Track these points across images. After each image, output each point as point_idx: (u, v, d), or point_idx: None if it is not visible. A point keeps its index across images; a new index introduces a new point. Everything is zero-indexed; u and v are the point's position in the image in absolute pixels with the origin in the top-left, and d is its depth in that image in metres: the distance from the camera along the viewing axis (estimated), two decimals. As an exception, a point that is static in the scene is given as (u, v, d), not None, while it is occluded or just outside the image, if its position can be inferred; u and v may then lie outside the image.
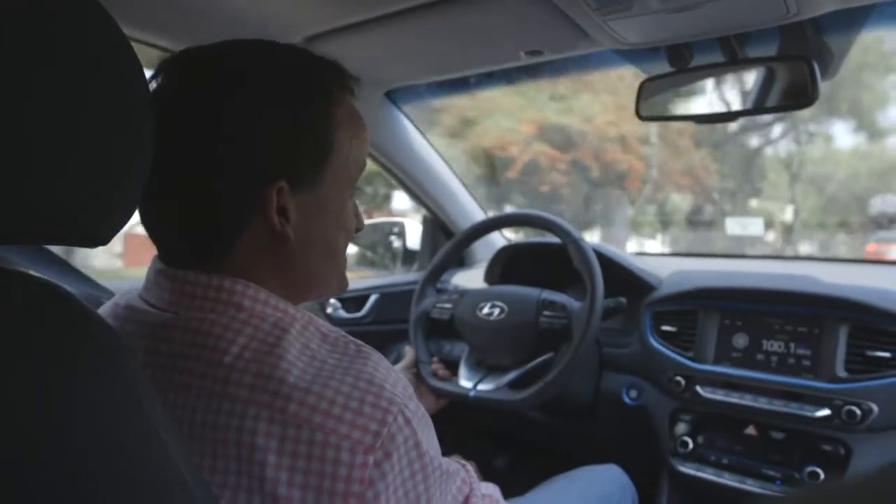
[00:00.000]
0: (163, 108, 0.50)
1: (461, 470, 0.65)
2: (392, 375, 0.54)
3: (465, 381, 1.24)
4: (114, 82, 0.43)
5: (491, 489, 0.76)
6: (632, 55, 1.19)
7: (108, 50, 0.42)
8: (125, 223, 0.47)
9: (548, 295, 1.23)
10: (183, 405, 0.51)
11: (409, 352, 1.28)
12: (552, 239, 1.29)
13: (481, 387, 1.21)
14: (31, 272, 0.43)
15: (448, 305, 1.33)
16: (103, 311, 0.62)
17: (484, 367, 1.28)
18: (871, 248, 11.58)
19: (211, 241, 0.56)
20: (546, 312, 1.21)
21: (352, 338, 0.57)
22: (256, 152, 0.55)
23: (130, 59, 0.44)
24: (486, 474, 0.71)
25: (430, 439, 0.55)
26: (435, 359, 1.30)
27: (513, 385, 1.20)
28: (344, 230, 0.63)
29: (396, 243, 1.92)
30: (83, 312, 0.42)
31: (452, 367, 1.30)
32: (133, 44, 0.45)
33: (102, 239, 0.45)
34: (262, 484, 0.47)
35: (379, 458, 0.49)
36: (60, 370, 0.38)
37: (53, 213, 0.41)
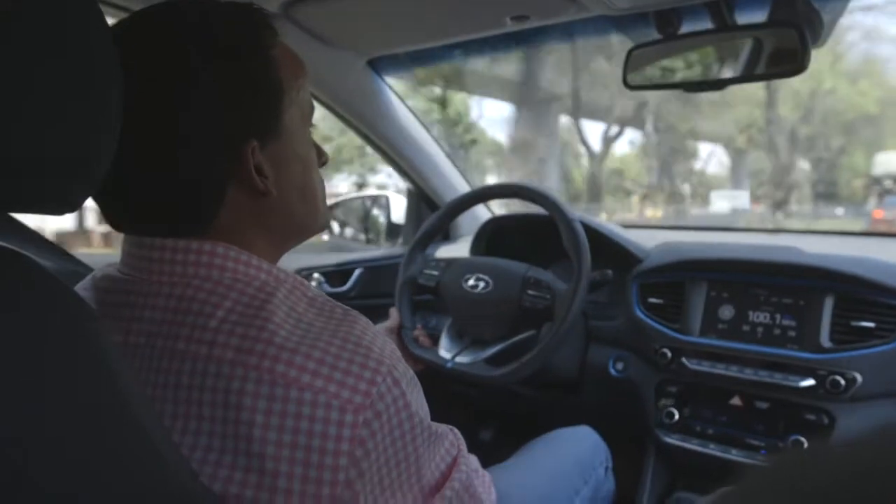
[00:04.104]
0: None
1: (449, 433, 0.66)
2: (379, 338, 0.54)
3: (444, 352, 1.24)
4: (80, 45, 0.41)
5: (471, 459, 0.76)
6: (619, 23, 1.16)
7: (75, 10, 0.41)
8: (94, 190, 0.46)
9: (534, 273, 1.22)
10: (168, 370, 0.50)
11: (392, 314, 1.28)
12: (538, 211, 1.27)
13: (459, 359, 1.21)
14: None
15: (435, 273, 1.32)
16: (83, 284, 0.61)
17: (465, 339, 1.28)
18: (878, 215, 11.56)
19: (192, 213, 0.55)
20: (530, 291, 1.20)
21: (338, 302, 0.57)
22: (222, 117, 0.54)
23: (97, 20, 0.42)
24: (472, 446, 0.71)
25: (419, 401, 0.55)
26: (419, 326, 1.30)
27: (490, 360, 1.20)
28: (313, 169, 0.64)
29: (380, 217, 1.90)
30: (45, 279, 0.41)
31: (436, 340, 1.29)
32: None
33: (71, 206, 0.45)
34: (250, 444, 0.47)
35: (368, 417, 0.49)
36: (25, 341, 0.37)
37: (20, 181, 0.39)
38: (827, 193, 15.76)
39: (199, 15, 0.55)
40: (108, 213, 0.58)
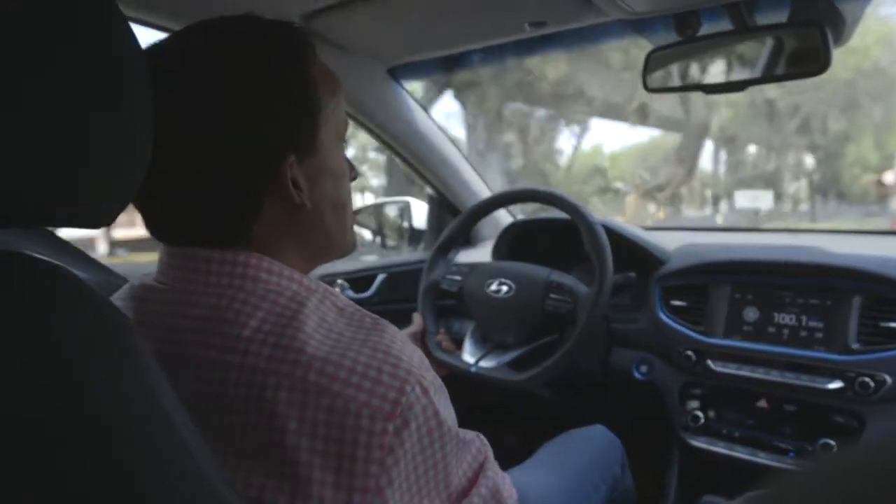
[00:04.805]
0: (161, 100, 0.50)
1: (476, 439, 0.67)
2: (408, 347, 0.55)
3: (467, 356, 1.24)
4: (113, 62, 0.42)
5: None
6: (638, 25, 1.16)
7: (108, 30, 0.42)
8: (127, 204, 0.47)
9: (556, 277, 1.22)
10: (202, 378, 0.52)
11: (416, 319, 1.28)
12: (559, 214, 1.27)
13: (483, 363, 1.21)
14: (33, 254, 0.43)
15: (458, 278, 1.33)
16: (120, 293, 0.63)
17: (488, 344, 1.28)
18: None
19: (229, 224, 0.57)
20: (553, 295, 1.20)
21: (367, 312, 0.58)
22: (264, 132, 0.55)
23: (130, 39, 0.44)
24: (496, 451, 0.71)
25: (446, 409, 0.56)
26: (442, 330, 1.30)
27: (514, 364, 1.20)
28: (345, 184, 0.65)
29: (402, 223, 1.91)
30: (86, 292, 0.42)
31: (460, 344, 1.30)
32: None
33: (105, 220, 0.46)
34: (283, 452, 0.48)
35: (398, 425, 0.50)
36: (63, 351, 0.38)
37: (56, 195, 0.41)
38: (826, 191, 13.19)
39: (242, 33, 0.57)
40: (149, 222, 0.60)
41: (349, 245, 0.68)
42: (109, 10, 0.42)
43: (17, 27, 0.37)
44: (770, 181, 13.36)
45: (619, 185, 14.97)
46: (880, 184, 12.81)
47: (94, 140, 0.41)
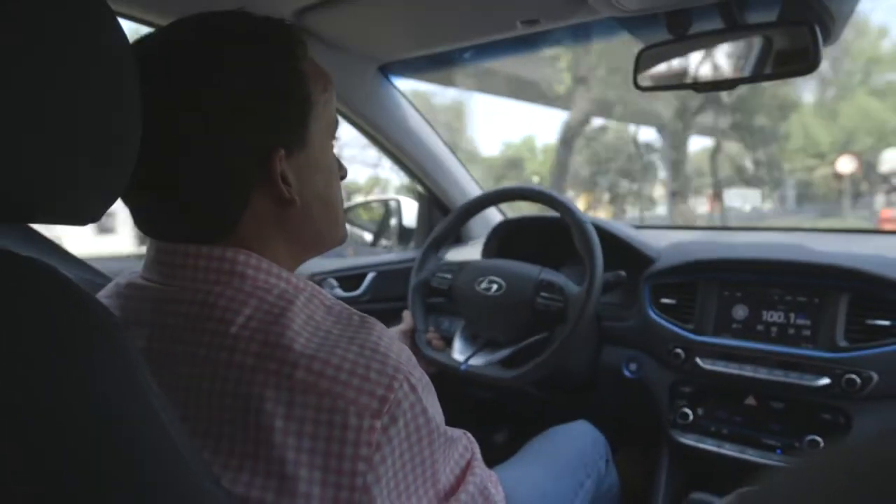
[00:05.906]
0: (150, 95, 0.50)
1: (463, 437, 0.67)
2: (396, 345, 0.55)
3: (457, 354, 1.24)
4: (100, 57, 0.42)
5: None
6: (630, 24, 1.17)
7: (95, 25, 0.42)
8: (115, 199, 0.47)
9: (547, 275, 1.22)
10: (189, 376, 0.51)
11: (406, 317, 1.28)
12: (550, 213, 1.28)
13: (473, 361, 1.21)
14: (18, 251, 0.42)
15: (448, 276, 1.33)
16: (105, 291, 0.62)
17: (478, 342, 1.28)
18: (886, 214, 10.98)
19: (216, 219, 0.57)
20: (543, 293, 1.20)
21: (354, 310, 0.58)
22: (254, 126, 0.55)
23: (117, 34, 0.43)
24: (484, 448, 0.72)
25: (434, 406, 0.56)
26: (432, 328, 1.30)
27: (504, 362, 1.20)
28: (335, 181, 0.65)
29: (392, 221, 1.91)
30: (72, 289, 0.41)
31: (450, 342, 1.30)
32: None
33: (93, 216, 0.45)
34: (270, 450, 0.48)
35: (386, 423, 0.50)
36: (50, 350, 0.38)
37: (42, 191, 0.40)
38: (764, 186, 10.03)
39: (233, 28, 0.57)
40: (137, 216, 0.59)
41: (338, 240, 0.68)
42: (97, 4, 0.42)
43: (2, 23, 0.36)
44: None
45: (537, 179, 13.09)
46: (836, 175, 10.50)
47: (82, 136, 0.41)
